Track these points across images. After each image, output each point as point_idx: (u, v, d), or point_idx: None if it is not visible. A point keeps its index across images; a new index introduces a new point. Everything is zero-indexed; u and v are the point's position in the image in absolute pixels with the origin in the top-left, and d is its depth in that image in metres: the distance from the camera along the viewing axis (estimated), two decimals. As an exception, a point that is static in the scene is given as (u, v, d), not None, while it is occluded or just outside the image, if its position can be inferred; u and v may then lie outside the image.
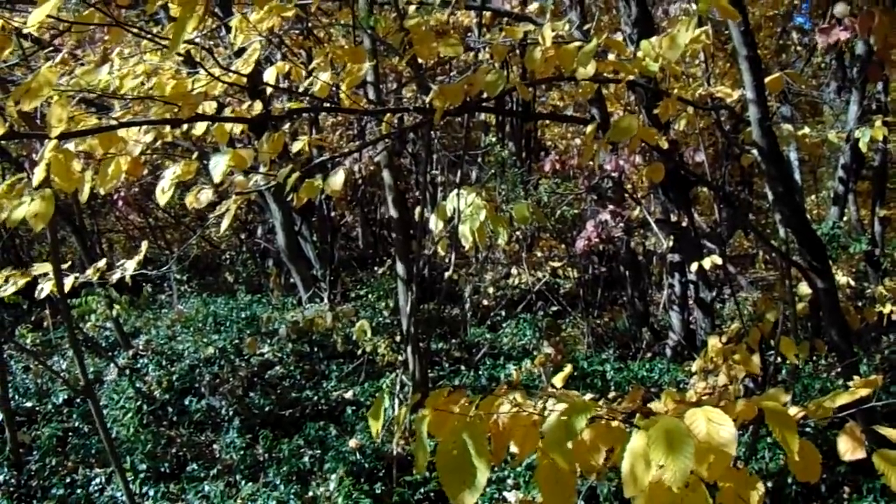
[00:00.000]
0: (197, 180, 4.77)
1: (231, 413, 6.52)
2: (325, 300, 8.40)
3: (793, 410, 2.65)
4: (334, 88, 4.20)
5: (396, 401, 5.95)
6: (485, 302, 8.97)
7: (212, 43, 8.22)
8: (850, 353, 5.17)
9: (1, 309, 9.09)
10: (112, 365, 7.48)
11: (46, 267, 4.77)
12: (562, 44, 3.84)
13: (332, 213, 9.53)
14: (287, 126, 9.50)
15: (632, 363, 7.16)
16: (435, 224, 4.46)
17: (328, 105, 4.03)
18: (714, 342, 5.24)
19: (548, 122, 12.11)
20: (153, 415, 6.66)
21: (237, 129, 4.66)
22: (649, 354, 7.46)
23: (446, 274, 8.16)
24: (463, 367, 7.23)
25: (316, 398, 6.74)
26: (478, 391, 6.25)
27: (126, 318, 8.78)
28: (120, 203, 9.05)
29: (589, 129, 4.30)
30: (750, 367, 4.57)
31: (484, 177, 9.20)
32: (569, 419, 1.88)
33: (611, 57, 4.21)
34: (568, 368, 2.54)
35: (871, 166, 8.37)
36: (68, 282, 5.10)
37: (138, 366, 7.47)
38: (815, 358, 6.75)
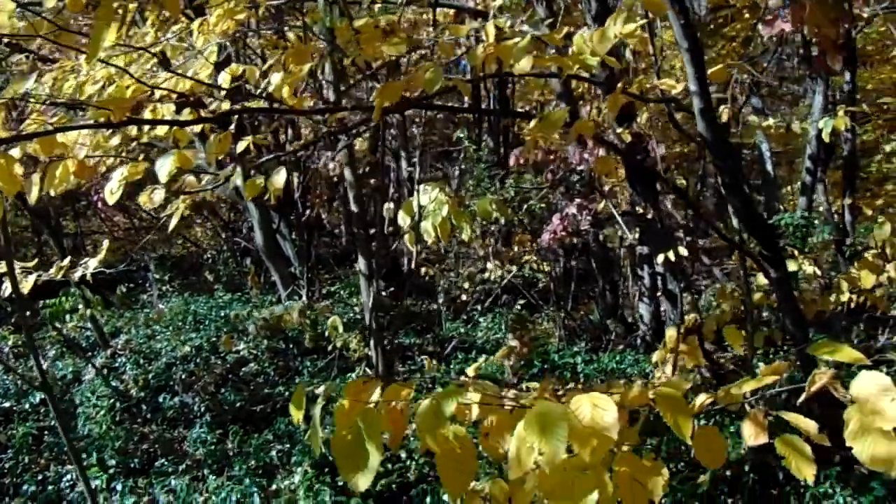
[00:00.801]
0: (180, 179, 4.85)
1: (203, 409, 6.60)
2: (304, 297, 8.47)
3: (702, 397, 2.72)
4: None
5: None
6: (463, 297, 9.02)
7: (185, 45, 8.25)
8: (805, 341, 5.21)
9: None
10: (90, 365, 7.57)
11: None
12: (505, 39, 3.90)
13: (309, 211, 9.61)
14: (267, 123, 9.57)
15: (602, 355, 7.22)
16: (402, 219, 4.53)
17: (276, 107, 4.09)
18: (672, 333, 5.30)
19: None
20: (127, 412, 6.74)
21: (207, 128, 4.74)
22: (621, 346, 7.51)
23: (422, 269, 8.25)
24: (435, 361, 7.29)
25: (287, 393, 6.81)
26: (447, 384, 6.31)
27: (107, 318, 8.86)
28: (100, 204, 9.11)
29: (532, 123, 4.36)
30: (695, 358, 4.62)
31: (463, 173, 9.26)
32: (437, 404, 1.95)
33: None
34: (480, 360, 2.60)
35: (842, 156, 8.39)
36: (31, 279, 5.22)
37: (116, 365, 7.55)
38: (786, 348, 6.79)
